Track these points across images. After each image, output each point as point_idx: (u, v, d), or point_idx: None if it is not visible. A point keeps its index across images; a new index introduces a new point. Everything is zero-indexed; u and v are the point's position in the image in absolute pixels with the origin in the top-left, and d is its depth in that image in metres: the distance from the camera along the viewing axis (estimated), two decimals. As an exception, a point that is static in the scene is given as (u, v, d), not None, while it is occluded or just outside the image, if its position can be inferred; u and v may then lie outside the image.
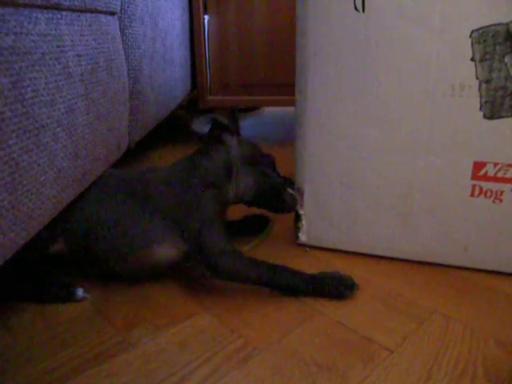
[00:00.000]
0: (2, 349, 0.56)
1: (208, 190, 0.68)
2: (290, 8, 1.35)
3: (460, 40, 0.60)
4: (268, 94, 1.46)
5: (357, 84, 0.67)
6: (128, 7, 0.79)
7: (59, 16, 0.52)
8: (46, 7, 0.49)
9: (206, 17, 1.40)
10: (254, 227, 0.86)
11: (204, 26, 1.40)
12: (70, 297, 0.65)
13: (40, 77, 0.46)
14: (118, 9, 0.73)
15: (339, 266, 0.73)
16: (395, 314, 0.60)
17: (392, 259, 0.74)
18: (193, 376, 0.50)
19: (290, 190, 0.75)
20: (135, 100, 0.83)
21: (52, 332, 0.59)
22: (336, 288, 0.64)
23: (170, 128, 1.78)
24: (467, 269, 0.70)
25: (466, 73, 0.61)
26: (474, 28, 0.59)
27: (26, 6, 0.45)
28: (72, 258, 0.67)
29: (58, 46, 0.51)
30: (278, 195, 0.75)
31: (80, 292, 0.65)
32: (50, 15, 0.50)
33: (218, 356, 0.53)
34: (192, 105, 2.01)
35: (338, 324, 0.59)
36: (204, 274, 0.65)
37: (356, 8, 0.64)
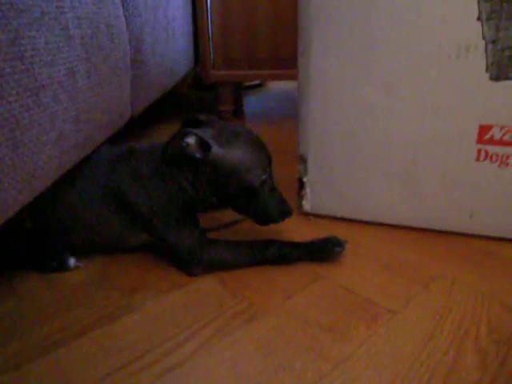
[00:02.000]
0: (8, 312, 0.57)
1: (174, 189, 0.63)
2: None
3: (466, -1, 0.59)
4: (272, 69, 1.44)
5: (360, 47, 0.66)
6: (128, -27, 0.78)
7: (58, -24, 0.51)
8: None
9: (209, -11, 1.38)
10: None
11: (206, -1, 1.38)
12: (62, 267, 0.65)
13: (39, 36, 0.45)
14: (119, -26, 0.72)
15: (343, 233, 0.72)
16: (399, 278, 0.60)
17: (397, 226, 0.73)
18: (196, 336, 0.51)
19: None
20: (137, 69, 0.83)
21: (57, 296, 0.60)
22: (325, 248, 0.64)
23: (175, 106, 1.77)
24: (471, 235, 0.70)
25: (472, 33, 0.59)
26: (481, -15, 0.57)
27: (23, -38, 0.44)
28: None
29: (57, 7, 0.50)
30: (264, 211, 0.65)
31: (72, 261, 0.65)
32: (49, -26, 0.49)
33: (221, 318, 0.54)
34: (197, 82, 2.00)
35: (341, 288, 0.59)
36: (190, 273, 0.63)
37: (360, -31, 0.63)
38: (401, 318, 0.52)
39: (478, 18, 0.59)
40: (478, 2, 0.58)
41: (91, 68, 0.58)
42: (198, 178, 0.63)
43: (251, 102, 1.90)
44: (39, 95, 0.45)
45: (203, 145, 0.59)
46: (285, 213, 0.65)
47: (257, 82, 2.19)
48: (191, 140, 0.59)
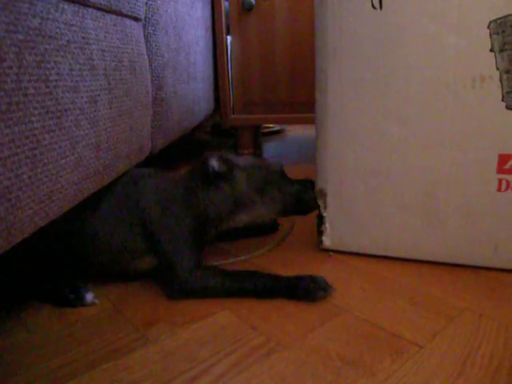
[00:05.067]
0: (18, 344, 0.55)
1: (195, 213, 0.68)
2: (310, 27, 1.37)
3: (478, 32, 0.59)
4: (290, 112, 1.46)
5: (377, 81, 0.66)
6: (152, 16, 0.81)
7: (85, 11, 0.53)
8: (72, 0, 0.50)
9: (229, 37, 1.43)
10: (261, 230, 0.85)
11: (227, 46, 1.43)
12: (78, 301, 0.63)
13: (64, 62, 0.47)
14: (143, 16, 0.75)
15: (364, 268, 0.70)
16: (424, 311, 0.57)
17: (420, 261, 0.71)
18: (212, 370, 0.49)
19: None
20: (158, 106, 0.84)
21: (69, 329, 0.58)
22: (308, 289, 0.61)
23: (194, 152, 1.80)
24: (496, 269, 0.67)
25: (486, 64, 0.60)
26: (492, 19, 0.58)
27: (52, -5, 0.46)
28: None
29: (83, 38, 0.52)
30: (297, 201, 0.74)
31: (89, 297, 0.64)
32: (76, 8, 0.51)
33: (238, 352, 0.51)
34: (216, 129, 2.04)
35: (364, 321, 0.56)
36: (174, 296, 0.64)
37: (373, 6, 0.64)
38: (427, 352, 0.49)
39: (491, 50, 0.59)
40: (490, 35, 0.58)
41: (113, 99, 0.59)
42: (222, 197, 0.69)
43: (270, 147, 1.92)
44: (61, 118, 0.46)
45: (227, 162, 0.68)
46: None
47: (275, 128, 2.22)
48: (215, 159, 0.67)
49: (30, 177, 0.41)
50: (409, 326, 0.54)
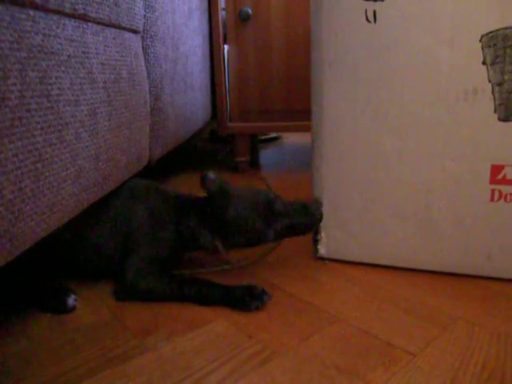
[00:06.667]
0: (19, 352, 0.56)
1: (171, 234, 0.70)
2: (307, 36, 1.39)
3: (470, 45, 0.61)
4: (286, 120, 1.47)
5: (371, 93, 0.68)
6: (150, 28, 0.82)
7: (85, 26, 0.55)
8: (73, 16, 0.51)
9: (226, 46, 1.45)
10: None
11: (224, 55, 1.45)
12: (60, 307, 0.64)
13: (65, 77, 0.48)
14: (141, 28, 0.76)
15: (359, 277, 0.71)
16: (417, 320, 0.58)
17: (414, 270, 0.72)
18: (209, 378, 0.49)
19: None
20: (156, 116, 0.86)
21: (68, 337, 0.59)
22: (242, 299, 0.63)
23: (192, 159, 1.81)
24: (490, 278, 0.68)
25: (479, 77, 0.61)
26: (484, 32, 0.60)
27: (54, 12, 0.47)
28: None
29: (84, 52, 0.53)
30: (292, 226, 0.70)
31: (71, 301, 0.64)
32: (77, 24, 0.52)
33: (235, 359, 0.52)
34: (213, 137, 2.05)
35: (358, 330, 0.57)
36: (118, 297, 0.67)
37: (368, 19, 0.66)
38: (420, 360, 0.50)
39: (483, 63, 0.61)
40: (482, 48, 0.60)
41: (112, 111, 0.61)
42: (209, 220, 0.68)
43: (267, 155, 1.93)
44: (62, 132, 0.47)
45: (215, 180, 0.68)
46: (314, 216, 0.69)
47: (272, 135, 2.24)
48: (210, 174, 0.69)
49: (32, 189, 0.42)
50: (402, 335, 0.55)
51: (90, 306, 0.66)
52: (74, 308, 0.65)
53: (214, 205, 0.68)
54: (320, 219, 0.71)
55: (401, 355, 0.51)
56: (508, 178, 0.62)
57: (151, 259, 0.67)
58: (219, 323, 0.60)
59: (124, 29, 0.68)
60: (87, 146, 0.53)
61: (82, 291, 0.69)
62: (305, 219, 0.69)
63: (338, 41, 0.68)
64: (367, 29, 0.66)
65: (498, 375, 0.47)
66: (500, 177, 0.63)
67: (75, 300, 0.65)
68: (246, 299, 0.63)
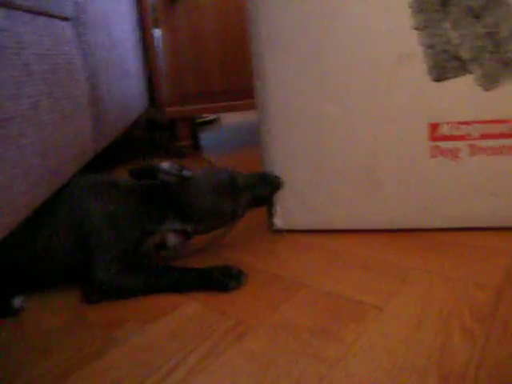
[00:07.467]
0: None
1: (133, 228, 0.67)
2: (240, 14, 1.38)
3: (401, 11, 0.64)
4: (225, 101, 1.47)
5: (310, 64, 0.70)
6: (81, 15, 0.79)
7: (15, 15, 0.52)
8: (2, 4, 0.48)
9: (158, 30, 1.41)
10: None
11: (155, 39, 1.41)
12: (7, 310, 0.61)
13: (2, 69, 0.45)
14: (72, 15, 0.73)
15: (317, 244, 0.74)
16: (378, 276, 0.62)
17: (366, 231, 0.76)
18: (187, 361, 0.49)
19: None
20: (95, 106, 0.83)
21: (31, 343, 0.56)
22: (219, 280, 0.63)
23: (130, 149, 1.76)
24: (432, 230, 0.73)
25: (411, 41, 0.65)
26: (412, -2, 0.63)
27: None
28: None
29: (17, 43, 0.50)
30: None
31: (18, 302, 0.62)
32: (8, 13, 0.49)
33: (210, 339, 0.53)
34: (150, 124, 2.00)
35: (324, 293, 0.59)
36: (90, 300, 0.64)
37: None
38: (387, 312, 0.54)
39: (416, 28, 0.64)
40: (412, 14, 0.63)
41: (54, 103, 0.58)
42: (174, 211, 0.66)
43: (207, 136, 1.93)
44: (6, 128, 0.45)
45: (175, 168, 0.66)
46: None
47: (210, 117, 2.22)
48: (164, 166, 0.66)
49: (-17, 191, 0.40)
50: (366, 292, 0.58)
51: (48, 309, 0.63)
52: (22, 309, 0.62)
53: (178, 197, 0.66)
54: (281, 184, 0.74)
55: (368, 310, 0.54)
56: (445, 134, 0.67)
57: (118, 257, 0.64)
58: (190, 305, 0.60)
59: (54, 16, 0.64)
60: (33, 143, 0.51)
61: (36, 297, 0.65)
62: (267, 187, 0.72)
63: (275, 13, 0.69)
64: (302, 2, 0.68)
65: (457, 314, 0.52)
66: (438, 134, 0.67)
67: (23, 301, 0.62)
68: (225, 279, 0.63)
